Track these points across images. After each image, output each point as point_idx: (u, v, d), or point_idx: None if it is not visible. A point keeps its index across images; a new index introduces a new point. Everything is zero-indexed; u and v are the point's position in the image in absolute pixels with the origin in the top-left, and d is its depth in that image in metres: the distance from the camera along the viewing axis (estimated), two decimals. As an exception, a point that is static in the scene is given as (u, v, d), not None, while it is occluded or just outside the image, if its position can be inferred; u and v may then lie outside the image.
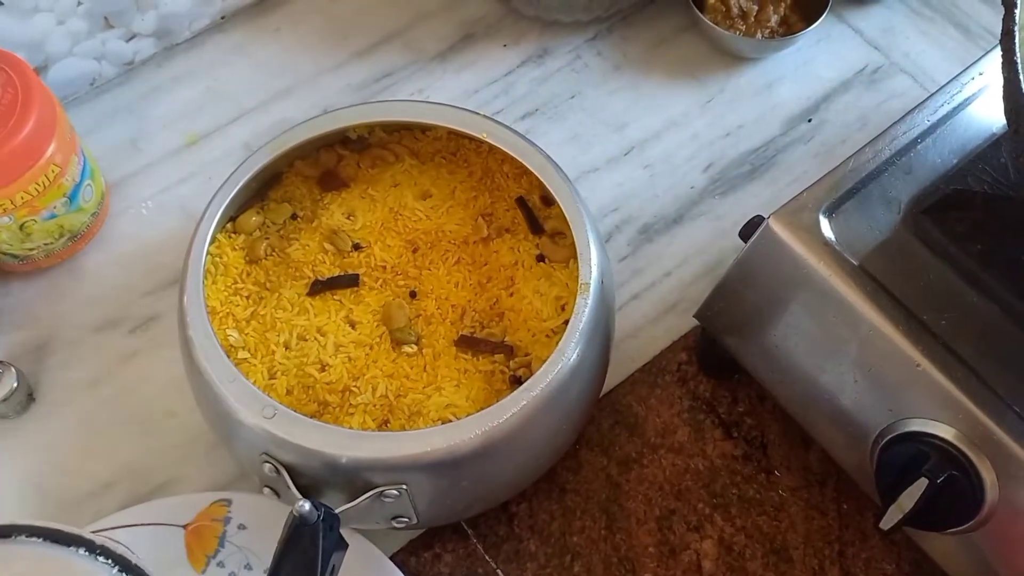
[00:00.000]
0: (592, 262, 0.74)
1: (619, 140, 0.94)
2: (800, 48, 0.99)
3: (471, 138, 0.83)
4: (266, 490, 0.71)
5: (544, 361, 0.73)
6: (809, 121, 0.95)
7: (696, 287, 0.87)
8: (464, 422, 0.68)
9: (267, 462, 0.68)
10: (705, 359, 0.85)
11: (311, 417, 0.70)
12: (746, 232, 0.72)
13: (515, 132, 0.81)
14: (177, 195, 0.93)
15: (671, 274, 0.89)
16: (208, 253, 0.80)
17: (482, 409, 0.69)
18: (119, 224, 0.90)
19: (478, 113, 0.81)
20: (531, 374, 0.74)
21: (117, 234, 0.89)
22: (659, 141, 0.95)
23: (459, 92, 0.98)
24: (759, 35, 0.98)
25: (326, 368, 0.76)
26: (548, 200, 0.83)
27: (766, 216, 0.69)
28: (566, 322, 0.76)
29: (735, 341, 0.78)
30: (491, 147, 0.85)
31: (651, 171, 0.94)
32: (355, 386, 0.75)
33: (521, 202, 0.83)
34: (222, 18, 1.01)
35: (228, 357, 0.71)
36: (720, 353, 0.78)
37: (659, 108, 0.97)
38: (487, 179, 0.85)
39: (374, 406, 0.74)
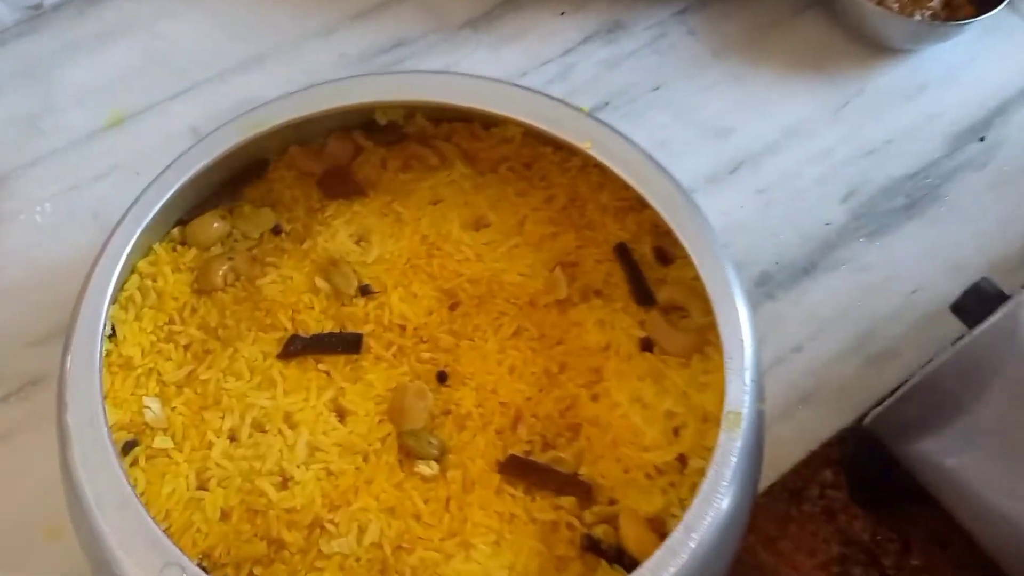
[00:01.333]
0: (746, 372, 0.45)
1: (721, 151, 0.70)
2: (963, 41, 0.76)
3: (560, 145, 0.54)
4: None
5: (642, 527, 0.44)
6: (981, 140, 0.72)
7: (840, 368, 0.63)
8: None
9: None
10: (860, 481, 0.58)
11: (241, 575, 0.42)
12: (968, 306, 0.52)
13: (631, 143, 0.52)
14: (89, 197, 0.67)
15: (802, 349, 0.64)
16: (135, 272, 0.52)
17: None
18: (2, 236, 0.64)
19: (579, 109, 0.52)
20: (617, 540, 0.46)
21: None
22: (777, 156, 0.71)
23: (497, 73, 0.71)
24: (917, 16, 0.71)
25: (289, 484, 0.47)
26: (665, 255, 0.54)
27: (1001, 288, 0.50)
28: (681, 459, 0.47)
29: (929, 464, 0.51)
30: (585, 162, 0.56)
31: (767, 198, 0.69)
32: (331, 521, 0.46)
33: (623, 252, 0.54)
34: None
35: (120, 462, 0.42)
36: (891, 475, 0.55)
37: (774, 110, 0.73)
38: (574, 210, 0.56)
39: (357, 562, 0.45)
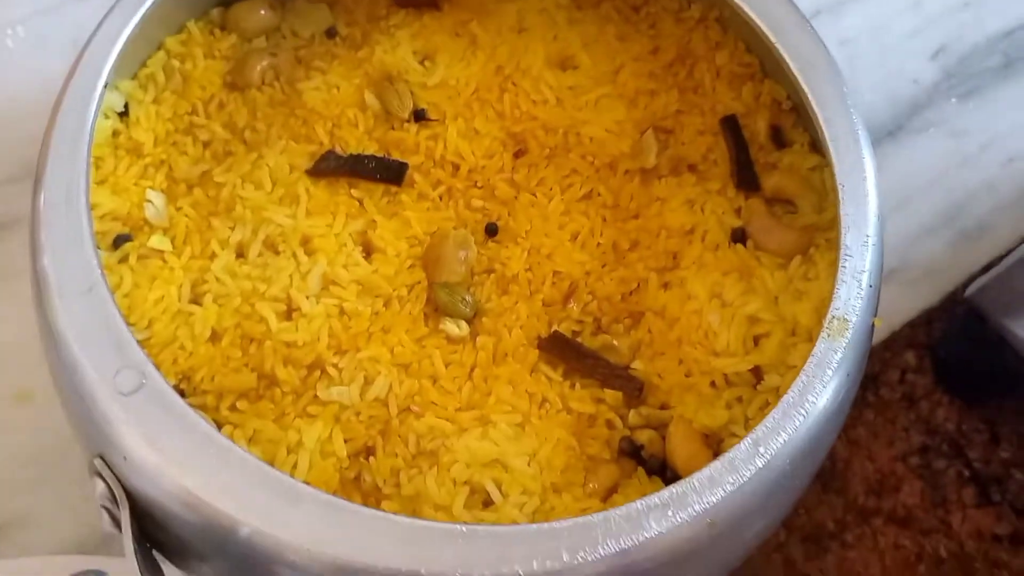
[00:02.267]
0: (864, 275, 0.36)
1: None
2: None
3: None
4: (103, 514, 0.36)
5: (695, 440, 0.37)
6: None
7: (928, 244, 0.58)
8: (558, 528, 0.31)
9: (100, 475, 0.33)
10: (954, 367, 0.53)
11: (222, 406, 0.35)
12: None
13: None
14: (67, 21, 0.58)
15: (886, 219, 0.53)
16: (162, 48, 0.45)
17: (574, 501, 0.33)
18: None
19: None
20: (662, 450, 0.38)
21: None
22: (861, 4, 0.65)
23: None
24: None
25: (294, 316, 0.40)
26: (781, 137, 0.45)
27: None
28: (756, 372, 0.39)
29: None
30: (705, 15, 0.47)
31: (850, 50, 0.63)
32: (335, 366, 0.39)
33: (732, 126, 0.45)
34: None
35: (96, 247, 0.35)
36: (985, 358, 0.51)
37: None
38: (682, 68, 0.47)
39: (357, 416, 0.38)
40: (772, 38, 0.41)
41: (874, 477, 0.50)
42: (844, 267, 0.36)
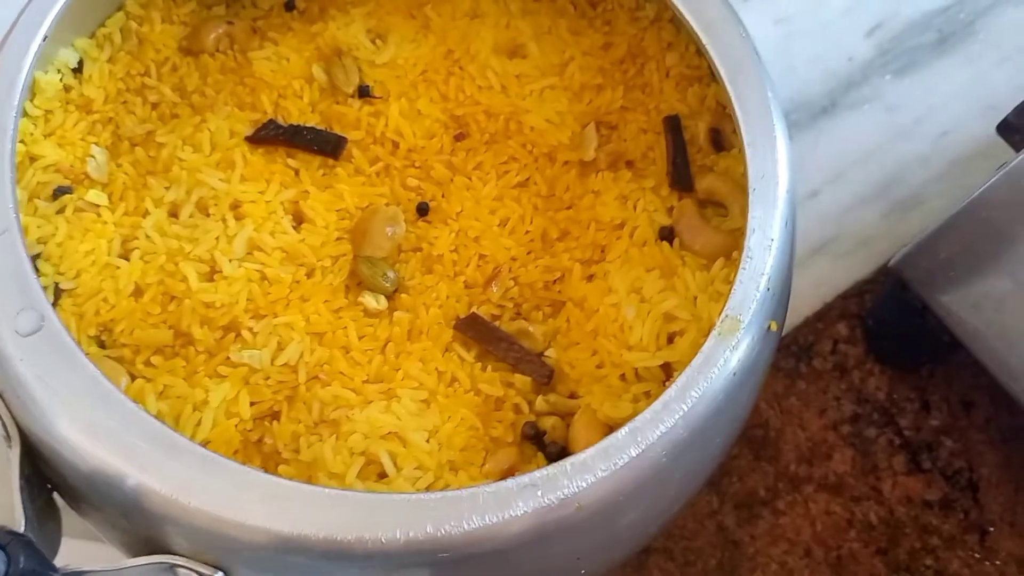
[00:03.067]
0: (763, 277, 0.36)
1: None
2: None
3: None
4: None
5: (597, 431, 0.38)
6: None
7: (861, 216, 0.59)
8: (439, 499, 0.32)
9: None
10: (884, 336, 0.53)
11: (137, 360, 0.37)
12: (1019, 125, 0.47)
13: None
14: None
15: (819, 193, 0.60)
16: (121, 9, 0.46)
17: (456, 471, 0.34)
18: None
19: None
20: (565, 438, 0.39)
21: None
22: None
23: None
24: None
25: (215, 277, 0.41)
26: (720, 141, 0.45)
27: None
28: (666, 369, 0.40)
29: (964, 307, 0.45)
30: (659, 15, 0.47)
31: (786, 29, 0.64)
32: (250, 329, 0.40)
33: (674, 125, 0.45)
34: None
35: (14, 183, 0.36)
36: (913, 327, 0.50)
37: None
38: (631, 66, 0.47)
39: (265, 380, 0.39)
40: (703, 39, 0.41)
41: (806, 445, 0.51)
42: (744, 268, 0.36)
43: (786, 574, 0.48)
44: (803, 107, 0.60)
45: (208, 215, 0.42)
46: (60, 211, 0.42)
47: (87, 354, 0.35)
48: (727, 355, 0.35)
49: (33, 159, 0.42)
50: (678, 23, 0.47)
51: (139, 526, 0.33)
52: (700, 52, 0.46)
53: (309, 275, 0.42)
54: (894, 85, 0.62)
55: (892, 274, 0.48)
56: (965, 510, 0.50)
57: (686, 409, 0.34)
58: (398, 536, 0.31)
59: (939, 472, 0.51)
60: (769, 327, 0.37)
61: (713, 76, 0.46)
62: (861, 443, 0.51)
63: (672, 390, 0.34)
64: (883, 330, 0.52)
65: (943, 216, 0.56)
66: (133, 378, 0.39)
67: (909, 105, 0.61)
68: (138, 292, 0.41)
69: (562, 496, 0.32)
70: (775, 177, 0.38)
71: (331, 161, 0.44)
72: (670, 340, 0.41)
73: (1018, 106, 0.46)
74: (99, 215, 0.42)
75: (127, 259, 0.41)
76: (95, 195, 0.42)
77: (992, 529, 0.50)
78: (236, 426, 0.38)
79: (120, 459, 0.32)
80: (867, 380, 0.53)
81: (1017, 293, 0.42)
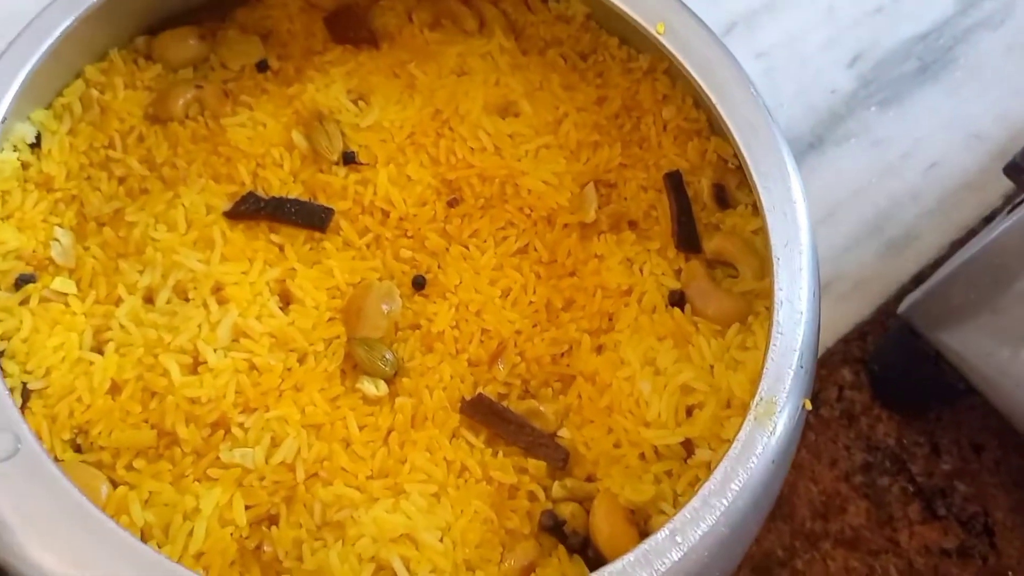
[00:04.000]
0: (795, 354, 0.34)
1: (709, 9, 0.55)
2: None
3: (627, 37, 0.43)
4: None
5: (620, 517, 0.35)
6: None
7: (856, 256, 0.57)
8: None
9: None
10: (890, 381, 0.52)
11: (118, 464, 0.34)
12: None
13: (714, 38, 0.41)
14: None
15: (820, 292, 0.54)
16: (81, 77, 0.42)
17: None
18: None
19: (663, -15, 0.41)
20: (586, 526, 0.37)
21: None
22: (775, 16, 0.64)
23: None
24: None
25: (200, 369, 0.38)
26: (725, 197, 0.43)
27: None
28: (687, 445, 0.38)
29: (977, 353, 0.44)
30: (652, 67, 0.45)
31: (767, 63, 0.62)
32: (241, 425, 0.37)
33: (676, 183, 0.43)
34: None
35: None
36: (920, 372, 0.49)
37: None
38: (628, 121, 0.45)
39: (260, 481, 0.36)
40: (713, 99, 0.39)
41: (819, 500, 0.49)
42: (775, 346, 0.34)
43: (807, 639, 0.46)
44: (790, 144, 0.60)
45: (188, 300, 0.39)
46: (24, 302, 0.38)
47: (61, 462, 0.31)
48: (765, 441, 0.33)
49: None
50: (673, 74, 0.45)
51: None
52: (697, 104, 0.45)
53: (301, 361, 0.39)
54: (879, 117, 0.60)
55: (900, 320, 0.47)
56: (983, 556, 0.49)
57: (727, 504, 0.31)
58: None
59: (954, 518, 0.50)
60: (803, 406, 0.35)
61: (712, 129, 0.44)
62: (875, 493, 0.50)
63: (711, 484, 0.32)
64: (889, 376, 0.51)
65: (940, 251, 0.56)
66: (115, 485, 0.36)
67: (895, 138, 0.60)
68: (115, 389, 0.37)
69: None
70: (798, 244, 0.36)
71: (318, 234, 0.41)
72: (688, 413, 0.39)
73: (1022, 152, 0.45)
74: (67, 305, 0.39)
75: (101, 353, 0.38)
76: (62, 283, 0.39)
77: (1011, 574, 0.49)
78: (231, 534, 0.35)
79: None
80: (875, 427, 0.51)
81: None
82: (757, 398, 0.34)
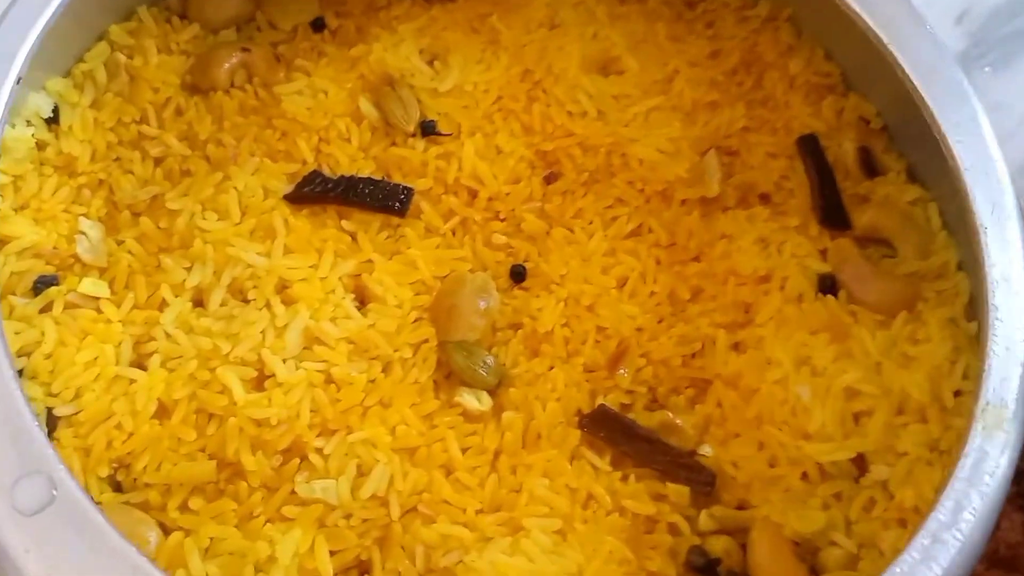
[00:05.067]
0: (1020, 349, 0.27)
1: None
2: None
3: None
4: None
5: (785, 553, 0.29)
6: None
7: None
8: None
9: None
10: None
11: (169, 504, 0.27)
12: None
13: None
14: None
15: None
16: (104, 39, 0.36)
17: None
18: None
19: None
20: (743, 566, 0.30)
21: None
22: None
23: None
24: None
25: (267, 384, 0.31)
26: (872, 163, 0.36)
27: None
28: (859, 462, 0.31)
29: None
30: (774, 14, 0.38)
31: None
32: (319, 451, 0.30)
33: (813, 148, 0.36)
34: None
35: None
36: None
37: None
38: (748, 77, 0.39)
39: (346, 520, 0.29)
40: (884, 38, 0.32)
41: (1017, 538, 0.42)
42: (995, 336, 0.28)
43: None
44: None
45: (247, 301, 0.32)
46: (45, 309, 0.32)
47: (100, 505, 0.25)
48: (999, 458, 0.26)
49: (2, 242, 0.32)
50: (799, 22, 0.38)
51: None
52: (830, 56, 0.38)
53: (386, 371, 0.32)
54: (995, 80, 0.54)
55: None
56: None
57: (962, 540, 0.25)
58: None
59: None
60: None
61: (848, 84, 0.38)
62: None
63: (939, 514, 0.25)
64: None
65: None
66: (166, 531, 0.29)
67: (1013, 103, 0.53)
68: (163, 412, 0.31)
69: None
70: (1005, 208, 0.30)
71: (396, 220, 0.34)
72: (856, 421, 0.32)
73: None
74: (100, 311, 0.32)
75: (144, 368, 0.31)
76: (91, 284, 0.32)
77: None
78: (315, 588, 0.28)
79: None
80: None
81: None
82: (982, 402, 0.27)
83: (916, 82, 0.31)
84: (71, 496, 0.24)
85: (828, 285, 0.35)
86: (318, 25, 0.38)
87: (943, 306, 0.34)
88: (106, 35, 0.36)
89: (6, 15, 0.32)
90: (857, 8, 0.33)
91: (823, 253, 0.35)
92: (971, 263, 0.32)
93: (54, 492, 0.23)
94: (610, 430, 0.32)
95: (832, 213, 0.36)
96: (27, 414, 0.25)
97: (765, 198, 0.37)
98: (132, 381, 0.31)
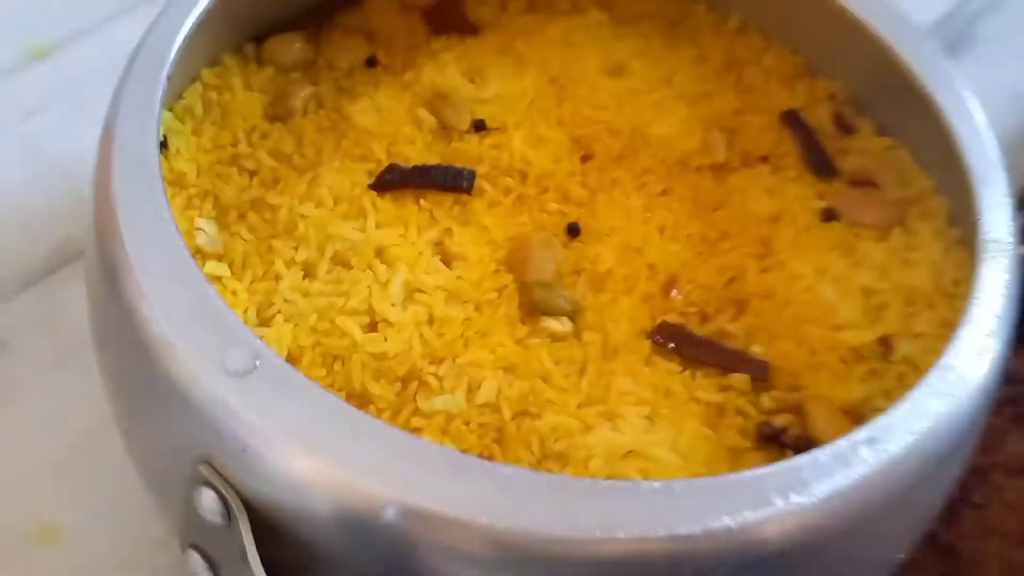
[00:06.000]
0: (1008, 202, 0.34)
1: None
2: None
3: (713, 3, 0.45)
4: (193, 556, 0.30)
5: (839, 417, 0.34)
6: None
7: None
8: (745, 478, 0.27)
9: (207, 483, 0.27)
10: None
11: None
12: None
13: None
14: (21, 134, 0.54)
15: None
16: (198, 80, 0.42)
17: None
18: None
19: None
20: (805, 432, 0.34)
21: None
22: None
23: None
24: None
25: (380, 327, 0.35)
26: (846, 124, 0.44)
27: None
28: (884, 343, 0.37)
29: None
30: (744, 24, 0.47)
31: None
32: (434, 374, 0.35)
33: (794, 120, 0.44)
34: None
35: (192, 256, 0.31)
36: None
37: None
38: (730, 74, 0.46)
39: (467, 425, 0.34)
40: (855, 12, 0.41)
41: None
42: (986, 191, 0.34)
43: (1009, 568, 0.44)
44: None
45: (351, 267, 0.37)
46: (177, 290, 0.36)
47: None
48: (1007, 287, 0.32)
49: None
50: (767, 28, 0.47)
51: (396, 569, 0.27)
52: (795, 51, 0.46)
53: (478, 310, 0.37)
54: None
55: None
56: None
57: (990, 344, 0.30)
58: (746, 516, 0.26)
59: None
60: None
61: (813, 71, 0.46)
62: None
63: (970, 325, 0.31)
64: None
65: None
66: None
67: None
68: (292, 358, 0.35)
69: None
70: (970, 116, 0.37)
71: (464, 197, 0.40)
72: (879, 312, 0.38)
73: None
74: (224, 285, 0.36)
75: (268, 327, 0.35)
76: (214, 266, 0.37)
77: None
78: (449, 481, 0.32)
79: (391, 486, 0.26)
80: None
81: None
82: (983, 239, 0.33)
83: (893, 50, 0.39)
84: (273, 363, 0.28)
85: (831, 216, 0.41)
86: (371, 62, 0.45)
87: (929, 219, 0.40)
88: (199, 77, 0.42)
89: (131, 72, 0.38)
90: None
91: (820, 195, 0.42)
92: (953, 183, 0.39)
93: (257, 362, 0.28)
94: (676, 338, 0.37)
95: (821, 165, 0.43)
96: (225, 308, 0.29)
97: (765, 159, 0.43)
98: (261, 336, 0.35)
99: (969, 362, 0.31)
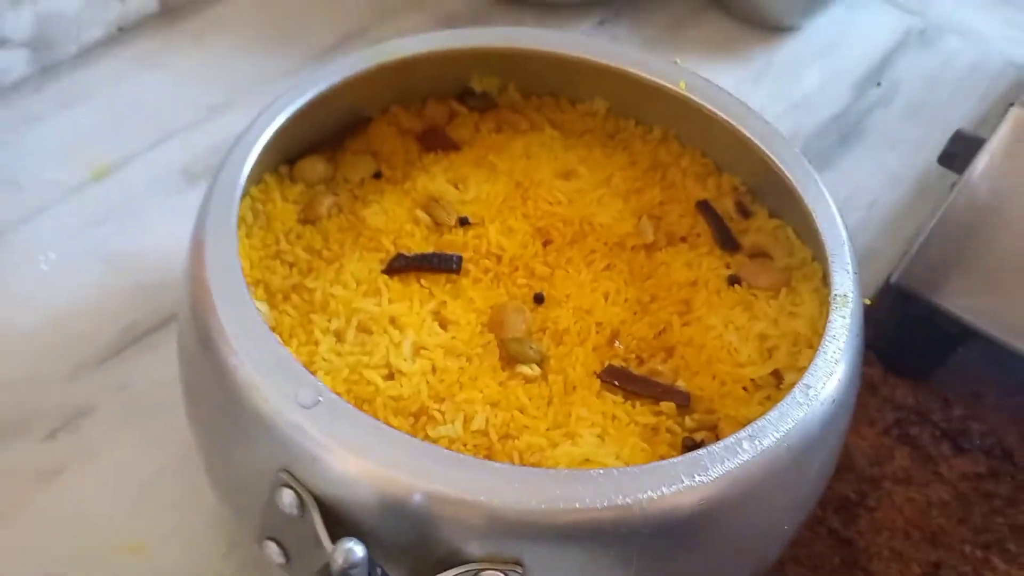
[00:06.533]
0: (849, 265, 0.47)
1: None
2: (838, 12, 0.94)
3: (641, 119, 0.58)
4: (270, 546, 0.41)
5: (741, 425, 0.45)
6: (879, 84, 0.88)
7: None
8: (674, 464, 0.39)
9: (286, 485, 0.39)
10: (897, 352, 0.65)
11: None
12: (957, 150, 0.62)
13: (722, 89, 0.56)
14: (91, 241, 0.66)
15: None
16: (247, 195, 0.54)
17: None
18: (9, 287, 0.63)
19: (674, 61, 0.56)
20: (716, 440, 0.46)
21: (8, 300, 0.62)
22: None
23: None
24: None
25: (395, 376, 0.47)
26: (745, 210, 0.57)
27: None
28: (776, 375, 0.49)
29: (966, 296, 0.59)
30: (665, 135, 0.60)
31: None
32: (438, 410, 0.46)
33: (706, 208, 0.57)
34: (119, 29, 0.77)
35: (253, 299, 0.43)
36: (919, 336, 0.63)
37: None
38: (655, 174, 0.60)
39: (464, 447, 0.45)
40: (736, 124, 0.54)
41: (870, 451, 0.60)
42: (833, 260, 0.47)
43: (897, 556, 0.56)
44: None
45: (371, 333, 0.49)
46: (240, 356, 0.48)
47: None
48: (844, 316, 0.45)
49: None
50: (682, 138, 0.60)
51: (431, 542, 0.38)
52: (705, 154, 0.60)
53: (469, 361, 0.49)
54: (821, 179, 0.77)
55: (893, 291, 0.60)
56: (1011, 474, 0.60)
57: (835, 367, 0.43)
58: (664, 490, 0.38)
59: (978, 449, 0.61)
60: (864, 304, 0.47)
61: (720, 169, 0.59)
62: (911, 440, 0.61)
63: (823, 354, 0.43)
64: (894, 350, 0.64)
65: (892, 267, 0.70)
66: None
67: (836, 190, 0.76)
68: (331, 402, 0.47)
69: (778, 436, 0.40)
70: (833, 219, 0.50)
71: (454, 277, 0.52)
72: (770, 354, 0.50)
73: (950, 139, 0.60)
74: (277, 351, 0.48)
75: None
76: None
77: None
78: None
79: (429, 480, 0.38)
80: (894, 392, 0.63)
81: (1004, 272, 0.55)
82: (833, 295, 0.46)
83: (772, 158, 0.53)
84: (332, 398, 0.40)
85: (735, 281, 0.54)
86: (378, 175, 0.58)
87: (808, 281, 0.53)
88: (248, 194, 0.55)
89: (211, 195, 0.50)
90: (717, 111, 0.55)
91: (727, 265, 0.55)
92: (820, 255, 0.52)
93: (320, 398, 0.39)
94: (620, 377, 0.49)
95: (727, 242, 0.56)
96: (293, 361, 0.41)
97: (684, 239, 0.56)
98: (308, 387, 0.47)
99: (821, 382, 0.43)
